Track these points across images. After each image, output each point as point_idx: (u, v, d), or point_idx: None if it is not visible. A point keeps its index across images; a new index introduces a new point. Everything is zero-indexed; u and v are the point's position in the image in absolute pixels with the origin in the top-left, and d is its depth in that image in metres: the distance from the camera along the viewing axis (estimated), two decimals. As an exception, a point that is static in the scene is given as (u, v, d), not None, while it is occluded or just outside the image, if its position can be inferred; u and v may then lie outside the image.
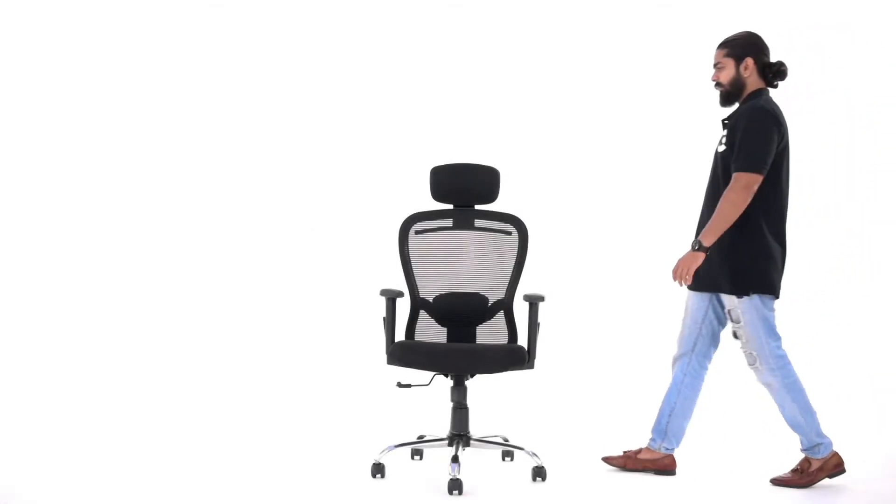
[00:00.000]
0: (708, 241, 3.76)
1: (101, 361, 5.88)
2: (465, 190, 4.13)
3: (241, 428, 4.97)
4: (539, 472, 3.95)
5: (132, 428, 4.88)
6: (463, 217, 4.17)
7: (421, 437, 4.25)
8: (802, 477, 3.93)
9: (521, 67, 6.45)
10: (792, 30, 6.42)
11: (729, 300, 3.89)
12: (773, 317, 3.93)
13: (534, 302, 4.01)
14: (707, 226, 3.78)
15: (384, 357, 4.02)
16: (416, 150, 6.16)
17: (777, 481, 3.94)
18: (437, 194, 4.15)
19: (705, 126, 6.36)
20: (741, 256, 3.82)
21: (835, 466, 3.95)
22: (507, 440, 4.19)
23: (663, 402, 4.11)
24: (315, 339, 6.08)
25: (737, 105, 3.95)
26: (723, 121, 3.97)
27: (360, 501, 3.72)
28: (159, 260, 6.25)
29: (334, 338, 6.03)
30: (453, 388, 3.95)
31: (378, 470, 3.99)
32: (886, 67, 6.37)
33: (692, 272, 3.79)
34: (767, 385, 3.95)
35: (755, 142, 3.74)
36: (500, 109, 6.39)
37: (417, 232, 4.12)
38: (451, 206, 4.18)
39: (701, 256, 3.78)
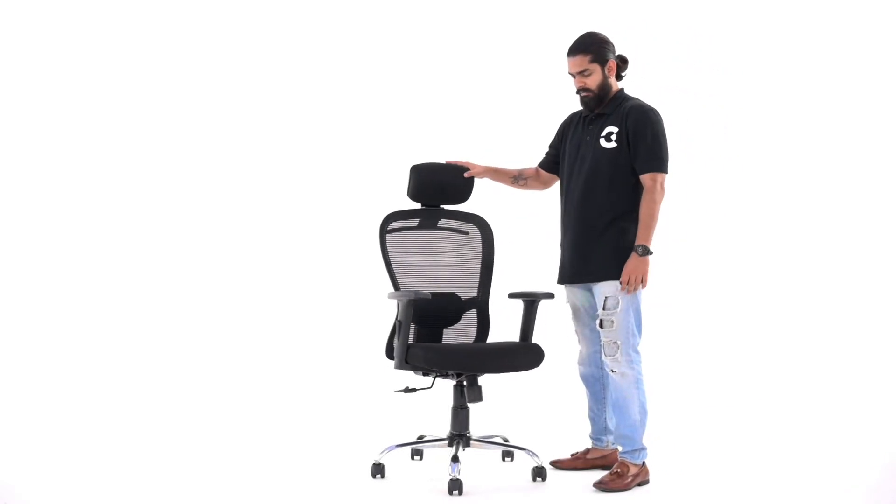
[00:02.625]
0: (650, 243, 3.85)
1: (102, 362, 5.88)
2: (431, 189, 4.14)
3: (242, 428, 4.98)
4: (539, 472, 3.94)
5: (133, 428, 4.88)
6: (429, 217, 4.18)
7: (421, 437, 4.25)
8: (623, 479, 3.83)
9: (511, 66, 6.46)
10: (783, 27, 6.43)
11: (610, 287, 3.87)
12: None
13: (533, 300, 4.06)
14: (642, 230, 3.85)
15: (386, 359, 4.04)
16: (418, 150, 6.16)
17: (600, 485, 3.81)
18: (410, 193, 4.16)
19: (692, 124, 6.41)
20: (625, 245, 3.88)
21: (645, 475, 3.92)
22: (507, 440, 4.20)
23: (606, 402, 4.12)
24: (315, 339, 6.08)
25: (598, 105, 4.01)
26: (594, 115, 3.99)
27: (360, 501, 3.72)
28: (159, 262, 6.24)
29: (334, 338, 6.03)
30: (468, 389, 3.92)
31: (378, 470, 3.99)
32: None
33: (647, 276, 3.86)
34: (622, 375, 3.87)
35: (659, 144, 3.89)
36: (503, 109, 6.40)
37: (387, 232, 4.12)
38: (419, 206, 4.19)
39: (648, 259, 3.85)
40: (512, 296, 4.16)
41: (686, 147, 6.46)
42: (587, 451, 4.16)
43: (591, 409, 4.15)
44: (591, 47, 3.97)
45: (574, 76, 3.99)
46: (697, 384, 5.84)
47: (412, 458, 4.30)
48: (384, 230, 4.11)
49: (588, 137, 3.99)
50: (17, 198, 6.16)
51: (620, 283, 3.85)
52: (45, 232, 6.15)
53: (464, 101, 6.36)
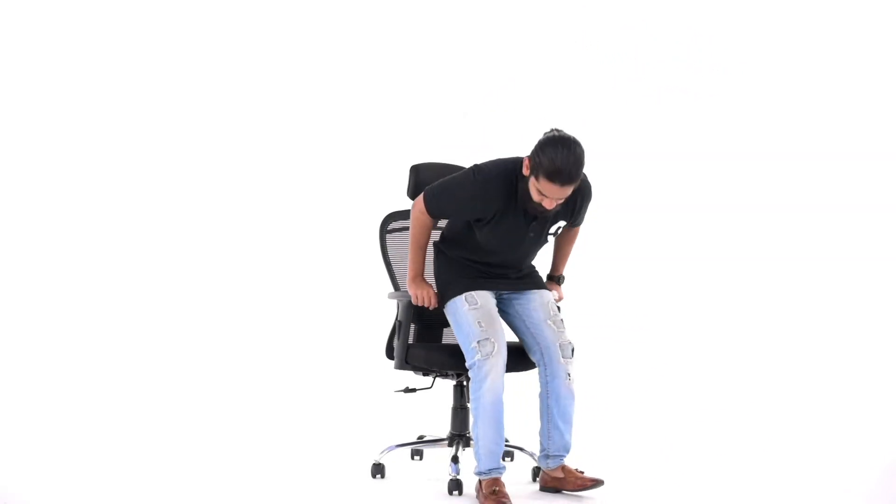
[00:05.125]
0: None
1: (102, 362, 5.87)
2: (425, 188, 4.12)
3: (242, 428, 4.98)
4: (539, 472, 3.94)
5: (133, 428, 4.88)
6: None
7: (421, 437, 4.24)
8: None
9: (511, 65, 6.46)
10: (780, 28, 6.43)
11: (549, 294, 3.87)
12: None
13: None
14: (563, 263, 4.04)
15: (386, 359, 4.04)
16: (418, 150, 6.15)
17: (590, 482, 3.71)
18: (410, 193, 4.14)
19: (692, 124, 6.41)
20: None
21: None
22: (507, 440, 4.18)
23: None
24: (315, 340, 6.08)
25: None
26: (539, 216, 3.64)
27: (360, 501, 3.72)
28: (158, 263, 6.23)
29: (334, 338, 6.03)
30: (468, 389, 3.89)
31: (378, 470, 3.99)
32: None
33: None
34: (573, 381, 3.73)
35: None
36: (503, 108, 6.39)
37: (387, 232, 4.12)
38: None
39: None
40: None
41: (686, 147, 6.47)
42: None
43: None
44: (580, 175, 3.49)
45: (546, 199, 3.49)
46: (698, 382, 5.84)
47: (412, 458, 4.30)
48: (384, 230, 4.11)
49: (532, 234, 3.71)
50: (18, 198, 6.15)
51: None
52: (44, 232, 6.14)
53: (464, 101, 6.36)
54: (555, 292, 3.96)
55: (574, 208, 3.74)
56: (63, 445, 4.51)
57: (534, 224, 3.67)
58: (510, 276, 3.83)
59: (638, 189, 6.43)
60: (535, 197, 3.50)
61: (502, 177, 3.59)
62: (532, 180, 3.49)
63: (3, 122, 6.16)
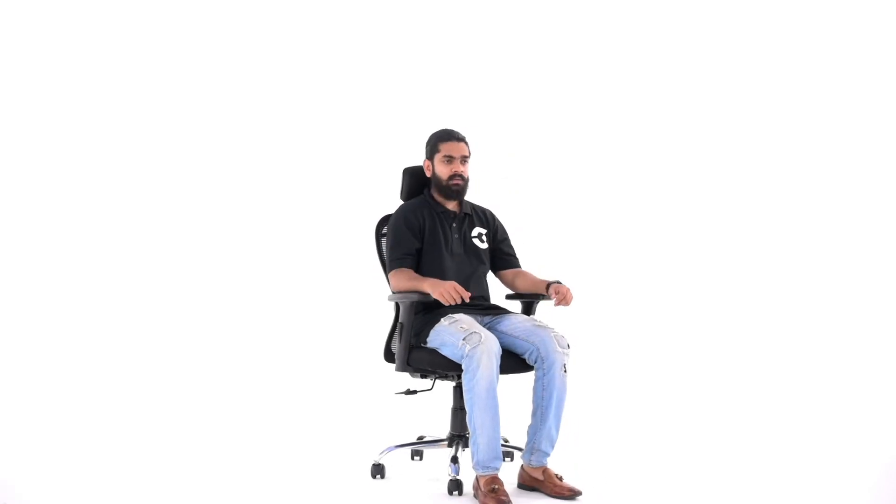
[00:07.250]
0: None
1: (102, 362, 5.89)
2: (418, 191, 4.13)
3: (243, 428, 4.98)
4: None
5: (133, 428, 4.89)
6: None
7: (421, 437, 4.26)
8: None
9: (506, 67, 6.47)
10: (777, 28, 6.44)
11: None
12: None
13: (531, 301, 4.08)
14: (538, 278, 4.08)
15: (385, 361, 4.05)
16: (415, 151, 6.16)
17: (571, 493, 3.69)
18: (403, 196, 4.16)
19: (692, 123, 6.42)
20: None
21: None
22: (507, 440, 4.19)
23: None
24: (315, 341, 6.09)
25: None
26: (453, 214, 4.03)
27: (360, 501, 3.72)
28: (158, 266, 6.24)
29: (334, 339, 6.03)
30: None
31: (378, 470, 3.99)
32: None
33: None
34: (567, 374, 3.76)
35: None
36: (497, 110, 6.40)
37: (381, 235, 4.13)
38: None
39: None
40: (510, 297, 4.17)
41: (685, 147, 6.47)
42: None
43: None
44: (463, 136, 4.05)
45: (453, 159, 3.99)
46: (700, 382, 5.85)
47: (412, 459, 4.30)
48: (379, 234, 4.12)
49: (456, 236, 4.02)
50: (19, 199, 6.16)
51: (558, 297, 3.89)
52: (46, 234, 6.16)
53: (457, 104, 6.36)
54: (562, 290, 3.90)
55: (486, 221, 4.13)
56: (63, 445, 4.52)
57: (454, 226, 4.02)
58: (475, 298, 3.97)
59: (636, 188, 6.44)
60: (445, 171, 4.00)
61: (414, 200, 4.09)
62: (437, 159, 4.02)
63: (4, 123, 6.16)
